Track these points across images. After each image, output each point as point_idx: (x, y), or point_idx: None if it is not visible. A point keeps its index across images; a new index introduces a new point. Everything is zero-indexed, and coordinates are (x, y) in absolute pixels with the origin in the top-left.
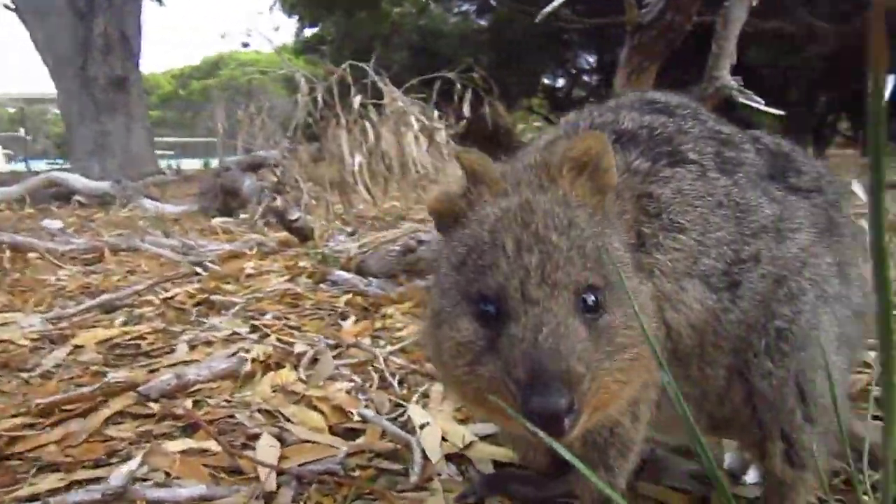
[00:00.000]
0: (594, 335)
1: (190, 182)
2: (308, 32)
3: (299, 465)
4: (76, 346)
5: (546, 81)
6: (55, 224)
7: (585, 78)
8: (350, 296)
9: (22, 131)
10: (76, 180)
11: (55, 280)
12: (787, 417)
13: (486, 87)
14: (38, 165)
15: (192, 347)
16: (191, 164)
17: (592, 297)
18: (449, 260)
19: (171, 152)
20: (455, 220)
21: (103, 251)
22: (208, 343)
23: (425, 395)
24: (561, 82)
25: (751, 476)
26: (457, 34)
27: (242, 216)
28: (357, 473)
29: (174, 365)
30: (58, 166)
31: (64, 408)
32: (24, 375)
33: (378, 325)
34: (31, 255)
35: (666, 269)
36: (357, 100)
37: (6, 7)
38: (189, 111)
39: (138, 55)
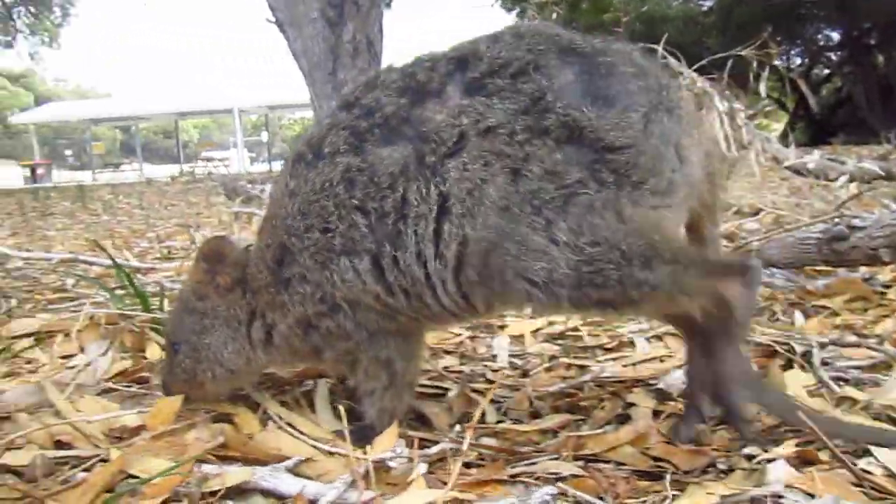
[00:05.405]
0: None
1: None
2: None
3: None
4: (514, 336)
5: (777, 63)
6: None
7: (829, 55)
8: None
9: (264, 136)
10: None
11: None
12: None
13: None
14: (279, 167)
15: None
16: None
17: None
18: None
19: None
20: None
21: None
22: (657, 336)
23: None
24: (797, 61)
25: None
26: (681, 17)
27: None
28: None
29: (646, 361)
30: None
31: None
32: (492, 365)
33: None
34: None
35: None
36: None
37: (268, 21)
38: None
39: (380, 59)
